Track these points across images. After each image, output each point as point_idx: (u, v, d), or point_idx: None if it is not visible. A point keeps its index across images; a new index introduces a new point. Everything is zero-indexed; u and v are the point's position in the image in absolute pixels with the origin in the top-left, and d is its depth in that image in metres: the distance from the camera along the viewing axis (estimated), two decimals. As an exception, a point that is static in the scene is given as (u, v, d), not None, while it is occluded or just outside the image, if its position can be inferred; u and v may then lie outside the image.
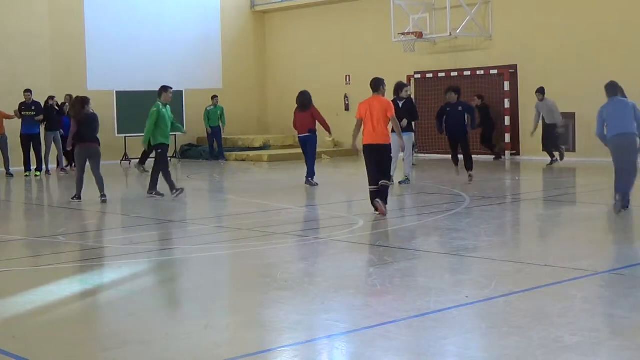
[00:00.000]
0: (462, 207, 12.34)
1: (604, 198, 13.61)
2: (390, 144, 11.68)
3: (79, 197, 14.27)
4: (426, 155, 23.19)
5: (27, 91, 19.99)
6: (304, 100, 16.32)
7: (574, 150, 20.72)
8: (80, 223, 12.57)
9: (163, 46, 24.96)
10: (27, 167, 19.78)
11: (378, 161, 11.43)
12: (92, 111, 14.46)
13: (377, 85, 11.71)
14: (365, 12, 24.65)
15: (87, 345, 5.94)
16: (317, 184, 15.96)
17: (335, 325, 6.15)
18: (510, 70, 21.48)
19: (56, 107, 20.62)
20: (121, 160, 23.62)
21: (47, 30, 23.06)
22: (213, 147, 23.93)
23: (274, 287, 7.56)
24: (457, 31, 21.65)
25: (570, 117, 20.66)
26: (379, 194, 11.45)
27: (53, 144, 20.42)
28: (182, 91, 24.12)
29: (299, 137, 16.67)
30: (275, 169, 20.95)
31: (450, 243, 9.47)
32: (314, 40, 26.17)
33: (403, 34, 22.39)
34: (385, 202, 11.53)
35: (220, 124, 23.84)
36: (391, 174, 14.83)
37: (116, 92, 23.45)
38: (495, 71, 21.72)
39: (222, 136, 24.13)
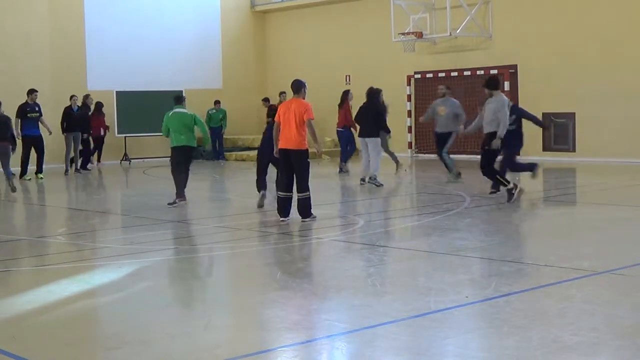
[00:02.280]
0: (462, 207, 12.34)
1: (604, 198, 13.61)
2: (306, 150, 10.98)
3: (14, 189, 15.50)
4: (426, 155, 23.20)
5: (33, 92, 19.83)
6: (342, 97, 18.27)
7: (574, 150, 20.74)
8: (80, 223, 12.57)
9: (163, 46, 24.95)
10: (25, 170, 19.46)
11: (292, 168, 10.93)
12: (3, 113, 15.98)
13: (298, 87, 11.06)
14: (365, 12, 24.65)
15: (87, 345, 5.94)
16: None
17: (335, 325, 6.15)
18: (510, 70, 21.48)
19: (74, 108, 20.66)
20: (121, 160, 23.62)
21: (47, 30, 23.05)
22: (215, 147, 24.05)
23: (274, 287, 7.57)
24: (457, 31, 21.66)
25: (570, 117, 20.68)
26: (288, 203, 11.05)
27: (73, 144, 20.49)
28: (182, 91, 24.10)
29: (338, 130, 18.38)
30: (275, 169, 20.92)
31: (450, 243, 9.47)
32: (313, 40, 26.17)
33: (403, 34, 22.39)
34: (306, 215, 11.02)
35: (222, 125, 24.08)
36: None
37: (116, 92, 23.45)
38: (495, 71, 21.70)
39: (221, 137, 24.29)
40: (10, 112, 19.73)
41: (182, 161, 13.60)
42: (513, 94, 21.50)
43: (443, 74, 22.71)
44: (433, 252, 9.07)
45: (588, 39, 20.14)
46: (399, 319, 6.21)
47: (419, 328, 6.03)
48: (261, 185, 13.04)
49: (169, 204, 13.29)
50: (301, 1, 26.31)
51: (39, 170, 19.79)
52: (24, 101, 19.67)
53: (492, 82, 12.88)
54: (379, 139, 15.81)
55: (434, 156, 22.73)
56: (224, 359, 5.46)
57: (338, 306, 6.75)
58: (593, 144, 20.17)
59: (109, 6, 24.19)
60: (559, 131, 21.08)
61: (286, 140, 10.90)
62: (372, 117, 15.78)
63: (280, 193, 11.21)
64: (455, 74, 22.50)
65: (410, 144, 23.63)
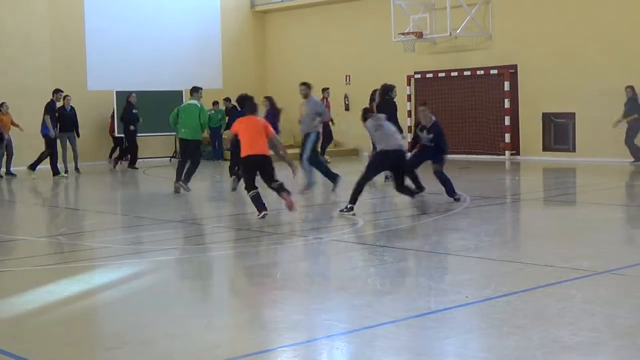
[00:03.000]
0: (462, 207, 12.34)
1: (604, 198, 13.61)
2: (269, 155, 11.79)
3: None
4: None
5: (60, 92, 19.93)
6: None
7: (574, 150, 20.74)
8: (80, 223, 12.58)
9: (163, 46, 24.94)
10: (34, 167, 19.67)
11: (260, 171, 11.78)
12: None
13: (255, 109, 12.48)
14: (365, 12, 24.66)
15: (87, 345, 5.94)
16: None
17: (335, 325, 6.15)
18: (510, 70, 21.48)
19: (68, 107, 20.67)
20: (121, 160, 23.60)
21: (47, 30, 23.04)
22: (215, 147, 24.09)
23: (274, 287, 7.57)
24: (457, 31, 21.65)
25: (570, 117, 20.68)
26: (261, 196, 11.65)
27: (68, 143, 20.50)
28: (182, 91, 24.12)
29: None
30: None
31: (450, 243, 9.47)
32: (313, 40, 26.17)
33: (403, 34, 22.39)
34: (282, 190, 11.62)
35: (221, 125, 24.09)
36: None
37: (116, 92, 23.44)
38: (495, 71, 21.72)
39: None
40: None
41: (192, 153, 15.26)
42: (513, 94, 21.53)
43: (443, 74, 22.72)
44: (433, 252, 9.07)
45: (588, 39, 20.13)
46: (399, 319, 6.21)
47: (419, 328, 6.03)
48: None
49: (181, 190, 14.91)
50: (301, 1, 26.31)
51: (66, 169, 19.91)
52: (50, 99, 19.73)
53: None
54: None
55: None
56: (224, 359, 5.46)
57: (338, 306, 6.75)
58: (593, 144, 20.16)
59: (109, 6, 24.18)
60: (559, 131, 21.08)
61: (254, 148, 11.70)
62: (387, 113, 15.90)
63: (252, 192, 11.61)
64: (455, 74, 22.50)
65: (410, 143, 23.61)
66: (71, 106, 20.68)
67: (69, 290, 7.65)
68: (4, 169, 19.67)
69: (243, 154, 11.79)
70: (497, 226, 10.98)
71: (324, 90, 22.26)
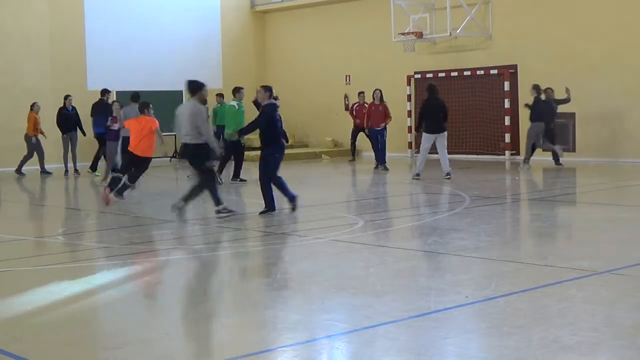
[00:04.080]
0: (462, 207, 12.34)
1: (604, 198, 13.62)
2: (150, 157, 13.84)
3: None
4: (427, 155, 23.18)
5: (109, 92, 20.39)
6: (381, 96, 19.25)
7: (574, 150, 20.73)
8: (80, 223, 12.57)
9: (163, 46, 24.94)
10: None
11: (135, 166, 13.84)
12: None
13: (142, 107, 13.93)
14: (365, 12, 24.66)
15: (87, 345, 5.94)
16: (388, 169, 18.78)
17: (335, 325, 6.15)
18: (510, 70, 21.48)
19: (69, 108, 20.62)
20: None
21: (47, 30, 23.04)
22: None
23: (274, 287, 7.57)
24: (457, 31, 21.66)
25: (570, 117, 20.67)
26: (118, 181, 13.71)
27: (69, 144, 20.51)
28: (182, 91, 24.08)
29: (372, 129, 19.17)
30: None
31: (450, 243, 9.47)
32: (314, 40, 26.17)
33: (403, 34, 22.39)
34: (115, 191, 13.52)
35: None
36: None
37: (116, 92, 23.42)
38: (495, 71, 21.72)
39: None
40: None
41: (234, 151, 16.43)
42: (513, 94, 21.53)
43: (443, 74, 22.72)
44: (433, 252, 9.07)
45: (588, 38, 20.13)
46: (399, 319, 6.21)
47: (419, 328, 6.03)
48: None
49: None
50: (301, 1, 26.31)
51: (66, 169, 20.02)
52: (100, 99, 20.10)
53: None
54: (446, 134, 16.47)
55: (435, 156, 22.78)
56: (224, 359, 5.46)
57: (338, 306, 6.75)
58: (593, 144, 20.16)
59: (109, 6, 24.17)
60: (559, 131, 21.07)
61: (138, 148, 13.63)
62: (441, 112, 16.30)
63: (115, 174, 14.01)
64: (455, 74, 22.51)
65: (410, 144, 23.62)
66: (72, 106, 20.68)
67: (69, 290, 7.65)
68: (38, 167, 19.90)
69: (130, 148, 13.71)
70: (497, 226, 10.98)
71: (360, 94, 21.70)
